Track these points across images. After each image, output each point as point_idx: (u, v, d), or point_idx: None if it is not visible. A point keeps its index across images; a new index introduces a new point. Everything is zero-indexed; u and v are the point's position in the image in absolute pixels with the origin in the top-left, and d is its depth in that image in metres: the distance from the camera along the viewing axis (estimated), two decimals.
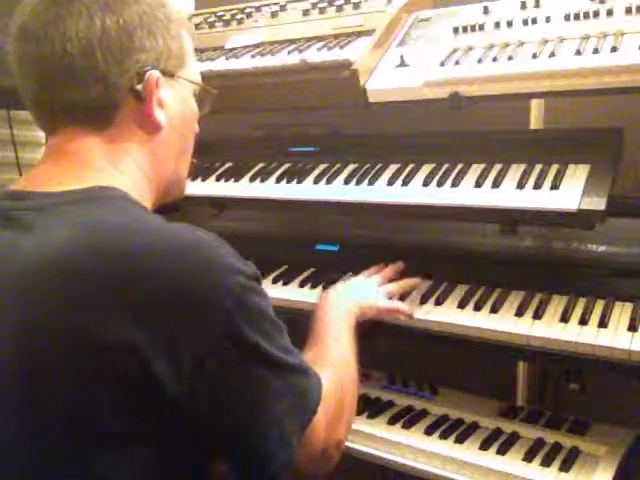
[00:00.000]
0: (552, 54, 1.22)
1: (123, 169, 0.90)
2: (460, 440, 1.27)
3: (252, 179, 1.55)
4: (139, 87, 0.88)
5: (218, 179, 1.60)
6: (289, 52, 1.49)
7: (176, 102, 0.94)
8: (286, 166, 1.56)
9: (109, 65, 0.86)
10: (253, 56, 1.54)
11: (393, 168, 1.41)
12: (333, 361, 1.04)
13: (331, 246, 1.59)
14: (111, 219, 0.81)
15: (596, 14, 1.27)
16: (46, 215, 0.81)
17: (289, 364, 0.84)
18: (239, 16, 1.72)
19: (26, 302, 0.76)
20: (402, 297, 1.34)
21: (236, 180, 1.57)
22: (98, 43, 0.85)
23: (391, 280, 1.36)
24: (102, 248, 0.77)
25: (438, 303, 1.30)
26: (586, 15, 1.28)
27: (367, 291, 1.30)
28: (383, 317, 1.30)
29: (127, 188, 0.88)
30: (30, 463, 0.76)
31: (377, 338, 1.33)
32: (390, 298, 1.31)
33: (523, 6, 1.37)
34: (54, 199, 0.83)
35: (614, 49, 1.17)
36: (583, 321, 1.17)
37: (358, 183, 1.40)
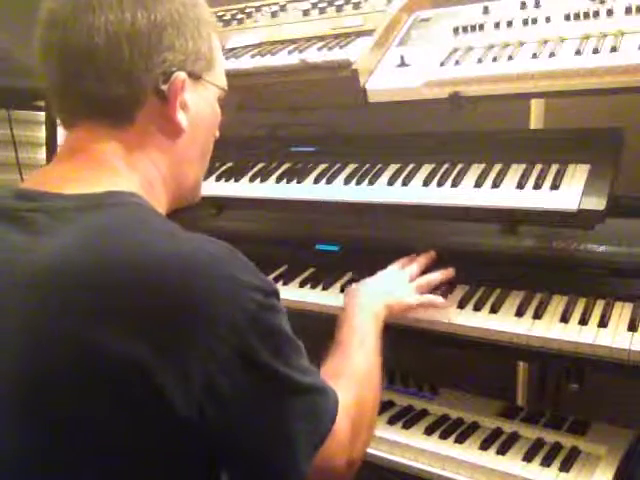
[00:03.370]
0: (552, 54, 1.22)
1: (140, 170, 0.87)
2: (460, 440, 1.27)
3: (252, 179, 1.55)
4: (164, 87, 0.86)
5: (218, 179, 1.60)
6: (289, 52, 1.49)
7: (200, 106, 0.92)
8: (286, 166, 1.56)
9: (135, 61, 0.83)
10: (253, 56, 1.54)
11: (393, 168, 1.41)
12: (354, 375, 1.00)
13: (331, 246, 1.59)
14: (123, 228, 0.78)
15: (596, 14, 1.27)
16: (57, 220, 0.78)
17: (305, 384, 0.81)
18: (239, 16, 1.72)
19: (29, 310, 0.74)
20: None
21: (236, 180, 1.57)
22: (126, 37, 0.82)
23: (424, 272, 1.32)
24: (112, 260, 0.74)
25: None
26: (586, 15, 1.28)
27: (396, 287, 1.26)
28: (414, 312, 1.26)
29: (143, 192, 0.86)
30: (31, 477, 0.75)
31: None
32: (421, 293, 1.28)
33: (523, 6, 1.37)
34: (67, 203, 0.80)
35: (614, 49, 1.17)
36: (583, 321, 1.17)
37: (358, 183, 1.40)
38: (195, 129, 0.92)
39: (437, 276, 1.32)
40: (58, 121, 0.93)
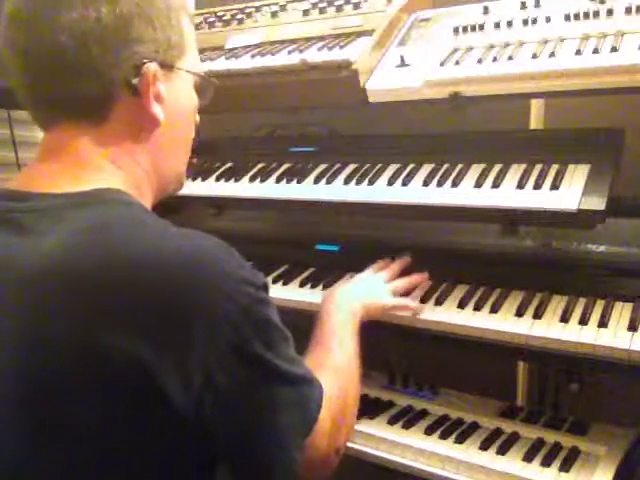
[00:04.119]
0: (552, 54, 1.22)
1: (122, 166, 0.87)
2: (460, 440, 1.27)
3: (252, 179, 1.54)
4: (135, 81, 0.84)
5: (218, 179, 1.60)
6: (289, 52, 1.49)
7: (175, 95, 0.90)
8: (286, 166, 1.56)
9: (104, 58, 0.81)
10: (253, 56, 1.54)
11: (393, 168, 1.41)
12: (336, 367, 1.02)
13: (331, 246, 1.59)
14: (113, 226, 0.78)
15: (596, 14, 1.27)
16: (46, 219, 0.78)
17: (293, 374, 0.83)
18: (239, 16, 1.72)
19: (27, 310, 0.74)
20: (404, 295, 1.33)
21: (236, 180, 1.57)
22: (92, 35, 0.80)
23: (398, 276, 1.34)
24: (105, 257, 0.74)
25: (438, 303, 1.30)
26: (586, 15, 1.28)
27: (372, 288, 1.28)
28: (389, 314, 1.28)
29: (128, 187, 0.86)
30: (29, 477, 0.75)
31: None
32: (396, 295, 1.30)
33: (523, 6, 1.37)
34: (53, 201, 0.80)
35: (614, 49, 1.17)
36: (583, 321, 1.17)
37: (358, 183, 1.40)
38: (173, 119, 0.90)
39: (412, 279, 1.34)
40: None
